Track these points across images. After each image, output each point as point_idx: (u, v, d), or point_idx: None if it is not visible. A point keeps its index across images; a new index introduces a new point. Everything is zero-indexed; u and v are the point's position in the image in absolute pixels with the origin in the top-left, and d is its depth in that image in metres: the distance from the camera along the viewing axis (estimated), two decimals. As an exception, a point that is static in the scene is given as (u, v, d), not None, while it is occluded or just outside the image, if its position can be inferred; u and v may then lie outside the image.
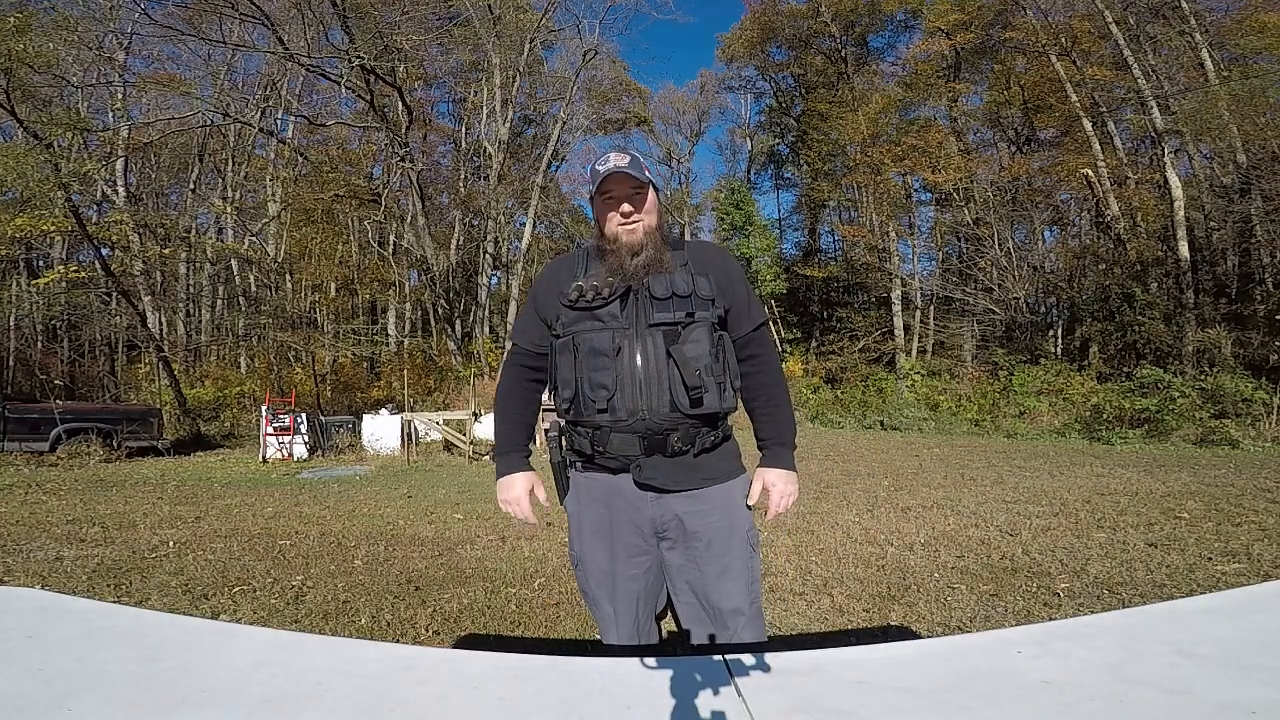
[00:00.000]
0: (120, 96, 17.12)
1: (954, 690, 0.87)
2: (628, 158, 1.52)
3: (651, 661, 0.95)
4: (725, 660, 0.94)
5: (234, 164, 21.33)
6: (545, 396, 1.68)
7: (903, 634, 2.88)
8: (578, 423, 1.51)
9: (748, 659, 0.95)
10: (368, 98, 17.37)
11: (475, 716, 0.82)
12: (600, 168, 1.52)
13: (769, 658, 0.94)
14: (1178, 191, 15.14)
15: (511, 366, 1.70)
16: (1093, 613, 2.25)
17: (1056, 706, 0.82)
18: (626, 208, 1.51)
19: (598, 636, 2.86)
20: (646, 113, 32.44)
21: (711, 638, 1.46)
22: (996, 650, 1.01)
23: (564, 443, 1.61)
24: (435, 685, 0.89)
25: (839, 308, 25.67)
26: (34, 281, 17.52)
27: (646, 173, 1.53)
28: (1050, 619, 2.87)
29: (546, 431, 1.66)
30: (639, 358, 1.43)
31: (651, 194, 1.55)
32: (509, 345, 1.78)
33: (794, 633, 2.93)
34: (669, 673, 0.93)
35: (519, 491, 1.62)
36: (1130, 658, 0.95)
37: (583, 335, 1.46)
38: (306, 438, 10.90)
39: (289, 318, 18.80)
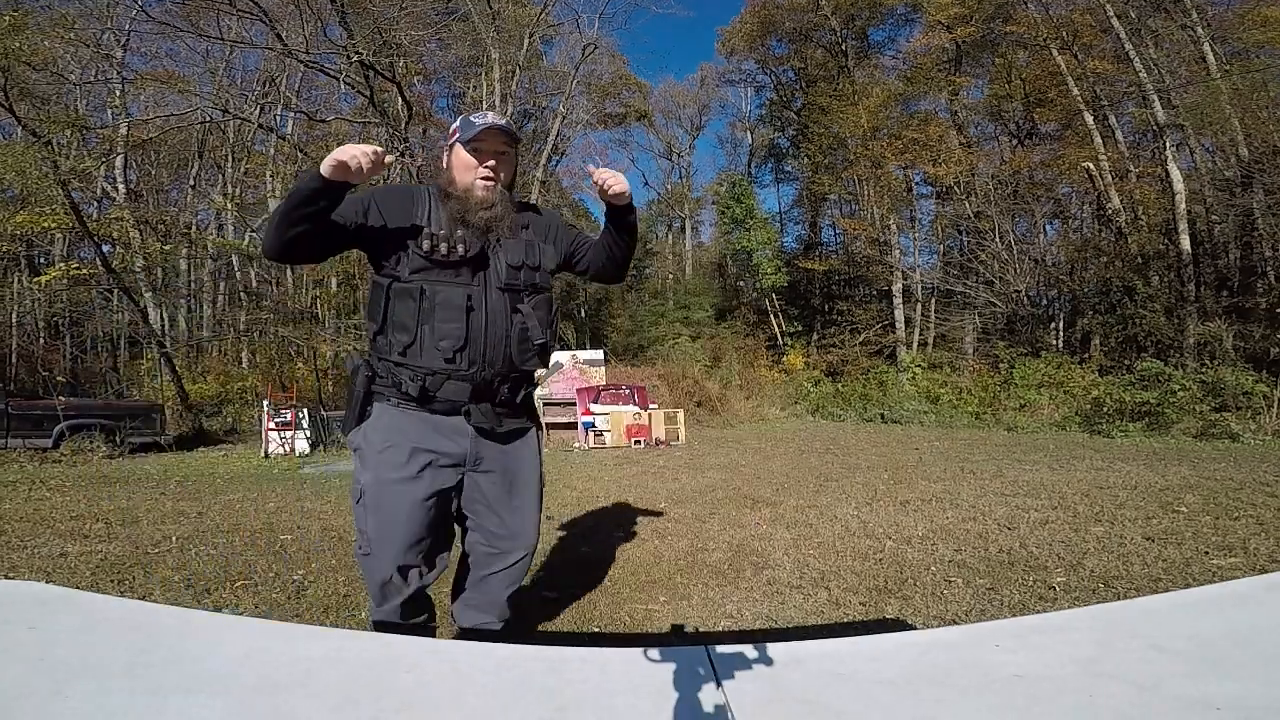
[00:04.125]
0: (119, 93, 17.12)
1: (928, 682, 0.89)
2: (504, 119, 1.60)
3: (635, 651, 0.97)
4: (707, 650, 0.96)
5: (234, 160, 21.33)
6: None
7: (898, 627, 2.90)
8: (406, 365, 1.52)
9: (729, 649, 0.97)
10: (367, 93, 17.34)
11: (459, 704, 0.84)
12: (476, 120, 1.57)
13: (750, 648, 0.96)
14: (1179, 185, 15.09)
15: None
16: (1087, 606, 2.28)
17: (1027, 700, 0.84)
18: (492, 164, 1.57)
19: (595, 630, 2.89)
20: (647, 107, 32.40)
21: (492, 559, 1.63)
22: (975, 644, 1.02)
23: (374, 376, 1.59)
24: (421, 673, 0.91)
25: (840, 301, 25.62)
26: (35, 279, 17.56)
27: (518, 135, 1.62)
28: (1044, 613, 2.89)
29: (350, 362, 1.66)
30: (485, 315, 1.51)
31: (513, 157, 1.63)
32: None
33: (790, 625, 2.95)
34: (651, 662, 0.95)
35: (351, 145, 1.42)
36: (1104, 653, 0.96)
37: (434, 287, 1.49)
38: (308, 433, 10.94)
39: (291, 313, 18.82)
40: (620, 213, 1.63)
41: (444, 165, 1.64)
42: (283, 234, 1.43)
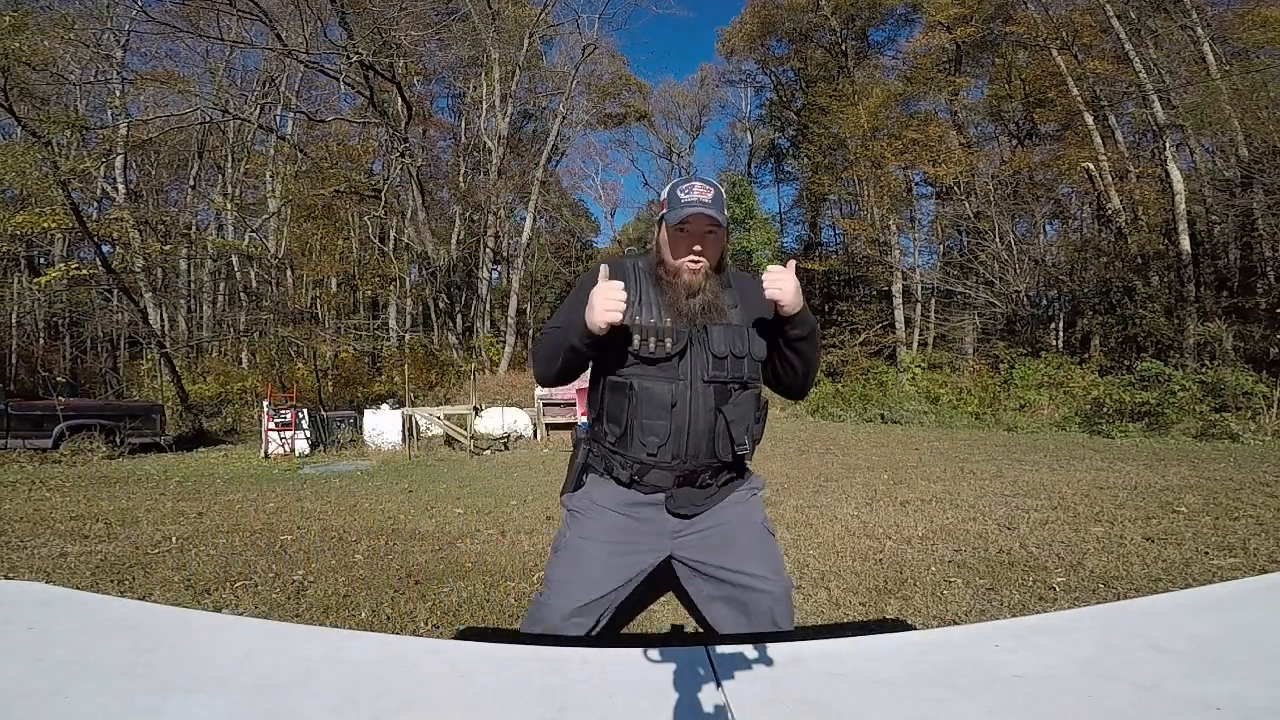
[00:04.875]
0: (119, 94, 17.11)
1: (928, 683, 0.89)
2: (711, 191, 1.50)
3: (635, 651, 0.97)
4: (707, 650, 0.96)
5: (233, 160, 21.35)
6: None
7: (898, 627, 2.90)
8: (618, 453, 1.53)
9: (728, 649, 0.97)
10: (367, 93, 17.38)
11: (460, 704, 0.84)
12: (684, 196, 1.49)
13: (749, 648, 0.96)
14: (1179, 185, 15.10)
15: (551, 329, 1.63)
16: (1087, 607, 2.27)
17: (1026, 700, 0.84)
18: (699, 247, 1.51)
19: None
20: (647, 107, 32.40)
21: (740, 617, 1.47)
22: (975, 644, 1.02)
23: (591, 451, 1.61)
24: (421, 674, 0.92)
25: (840, 301, 25.64)
26: (35, 280, 17.56)
27: (725, 213, 1.52)
28: (1044, 614, 2.89)
29: (575, 433, 1.70)
30: (689, 412, 1.48)
31: (722, 234, 1.56)
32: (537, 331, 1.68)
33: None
34: (651, 662, 0.95)
35: (608, 287, 1.39)
36: (1104, 653, 0.96)
37: (642, 382, 1.48)
38: (308, 433, 10.94)
39: (290, 313, 18.83)
40: (782, 325, 1.52)
41: (655, 237, 1.61)
42: (560, 369, 1.55)
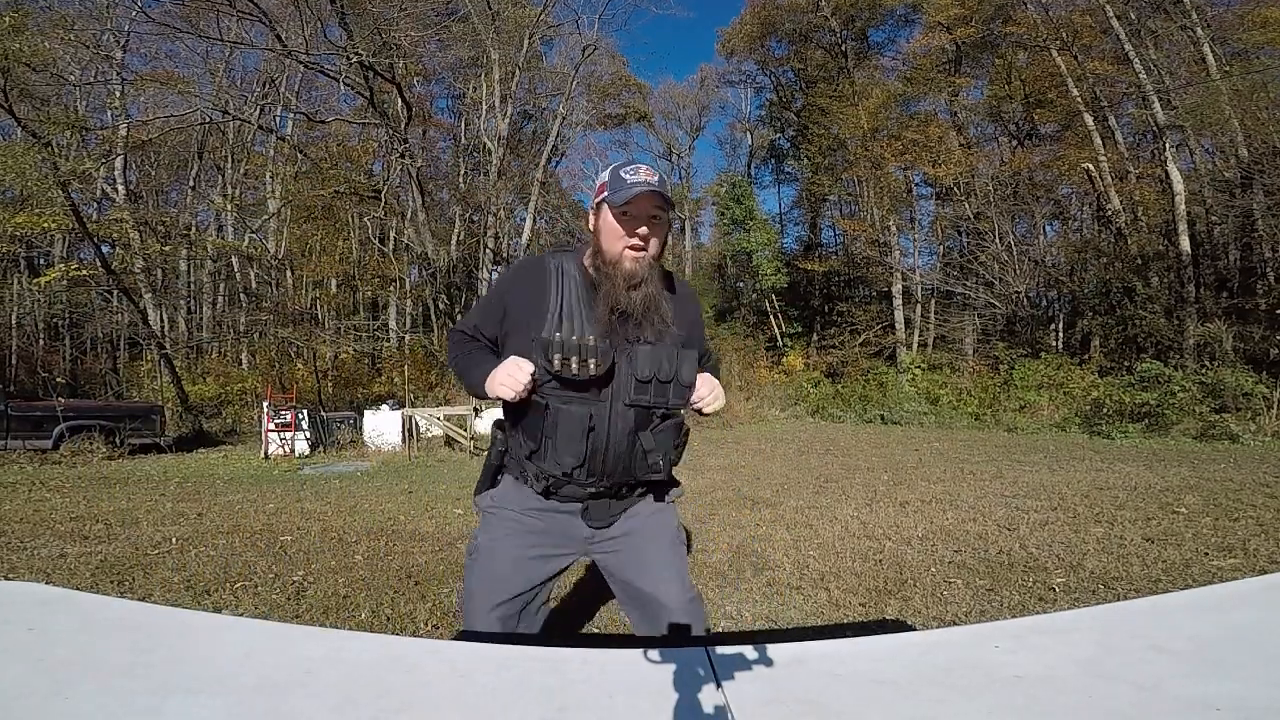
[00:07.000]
0: (118, 94, 17.12)
1: (928, 683, 0.89)
2: (658, 175, 1.40)
3: (635, 652, 0.97)
4: (707, 650, 0.96)
5: (233, 161, 21.35)
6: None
7: (898, 628, 2.90)
8: (532, 463, 1.47)
9: (729, 650, 0.97)
10: (367, 94, 17.36)
11: (460, 704, 0.84)
12: (629, 177, 1.37)
13: (750, 649, 0.96)
14: (1179, 185, 15.10)
15: (461, 336, 1.58)
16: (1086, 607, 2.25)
17: (1027, 700, 0.84)
18: (644, 231, 1.39)
19: (595, 630, 2.89)
20: (646, 108, 32.44)
21: (649, 624, 1.48)
22: (975, 644, 1.02)
23: (507, 453, 1.54)
24: (421, 674, 0.91)
25: (840, 301, 25.65)
26: (35, 280, 17.57)
27: (671, 198, 1.45)
28: (1044, 614, 2.89)
29: (495, 430, 1.58)
30: (608, 435, 1.41)
31: (666, 223, 1.46)
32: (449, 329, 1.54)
33: (790, 626, 2.95)
34: (651, 663, 0.95)
35: (516, 365, 1.35)
36: (1105, 653, 0.96)
37: (557, 404, 1.39)
38: (308, 434, 10.94)
39: (290, 314, 18.83)
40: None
41: (590, 225, 1.49)
42: (468, 390, 1.52)
